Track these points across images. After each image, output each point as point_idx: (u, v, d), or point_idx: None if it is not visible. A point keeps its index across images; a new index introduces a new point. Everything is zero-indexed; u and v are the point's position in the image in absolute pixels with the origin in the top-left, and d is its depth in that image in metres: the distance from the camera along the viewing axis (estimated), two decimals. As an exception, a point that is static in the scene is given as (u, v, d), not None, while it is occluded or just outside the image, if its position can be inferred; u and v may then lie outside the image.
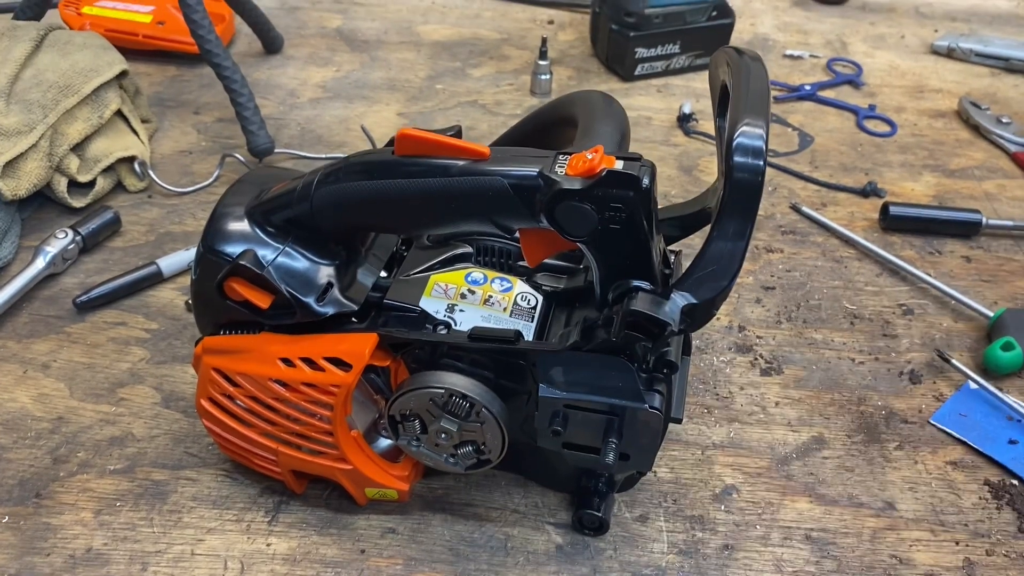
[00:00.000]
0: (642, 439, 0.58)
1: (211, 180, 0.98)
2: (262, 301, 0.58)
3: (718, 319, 0.84)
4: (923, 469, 0.72)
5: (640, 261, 0.54)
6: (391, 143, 0.57)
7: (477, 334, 0.58)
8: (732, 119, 0.51)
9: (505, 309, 0.62)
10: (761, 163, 0.50)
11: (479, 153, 0.54)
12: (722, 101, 0.61)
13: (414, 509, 0.67)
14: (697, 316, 0.53)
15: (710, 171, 1.05)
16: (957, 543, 0.67)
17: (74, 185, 0.93)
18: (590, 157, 0.52)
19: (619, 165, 0.51)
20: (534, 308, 0.63)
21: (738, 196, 0.50)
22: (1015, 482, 0.71)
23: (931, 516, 0.68)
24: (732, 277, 0.52)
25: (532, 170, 0.53)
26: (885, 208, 0.97)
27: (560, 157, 0.54)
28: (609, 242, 0.53)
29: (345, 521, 0.66)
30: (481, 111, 1.14)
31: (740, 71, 0.55)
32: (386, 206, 0.56)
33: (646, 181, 0.51)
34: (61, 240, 0.85)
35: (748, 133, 0.50)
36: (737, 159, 0.50)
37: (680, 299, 0.52)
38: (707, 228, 0.59)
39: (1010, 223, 0.97)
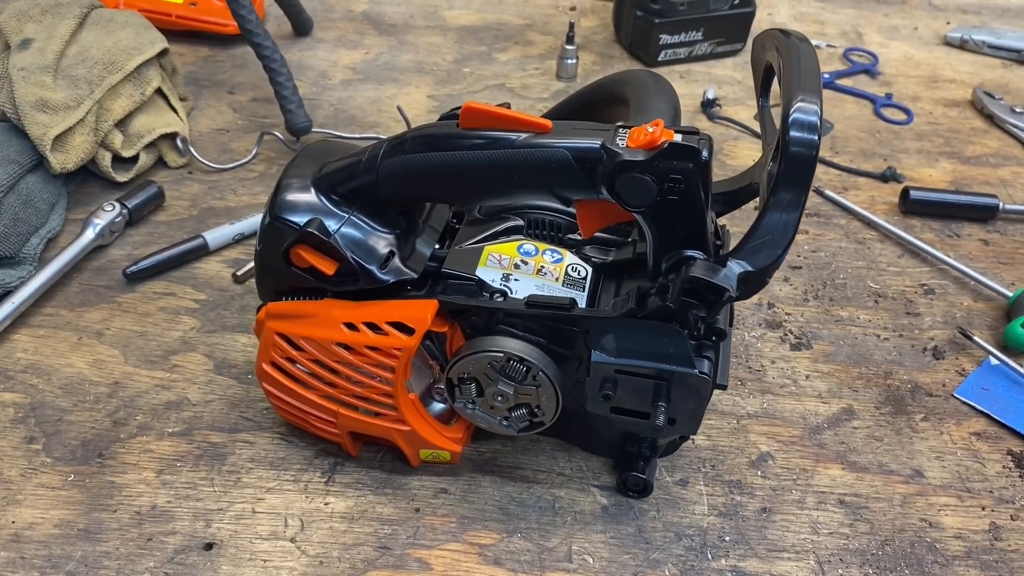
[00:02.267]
0: (690, 403, 0.61)
1: (250, 157, 1.00)
2: (327, 268, 0.61)
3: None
4: (948, 439, 0.75)
5: (695, 232, 0.56)
6: (452, 116, 0.59)
7: (534, 301, 0.60)
8: (787, 96, 0.54)
9: (557, 279, 0.65)
10: (816, 137, 0.52)
11: (541, 126, 0.57)
12: (765, 82, 0.64)
13: (464, 471, 0.69)
14: (752, 283, 0.56)
15: (735, 155, 1.07)
16: (983, 508, 0.70)
17: (117, 160, 0.95)
18: (651, 130, 0.54)
19: (678, 138, 0.54)
20: (584, 279, 0.65)
21: (794, 169, 0.53)
22: (1036, 452, 0.74)
23: (957, 483, 0.71)
24: (786, 246, 0.55)
25: (595, 142, 0.55)
26: (905, 192, 0.99)
27: (620, 130, 0.56)
28: (667, 213, 0.56)
29: (399, 482, 0.68)
30: (509, 94, 1.16)
31: (791, 51, 0.57)
32: (450, 177, 0.59)
33: (705, 153, 0.53)
34: (109, 212, 0.87)
35: (804, 109, 0.52)
36: (793, 134, 0.52)
37: (736, 267, 0.55)
38: (750, 204, 0.63)
39: (1026, 208, 1.00)
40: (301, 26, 1.23)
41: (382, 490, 0.68)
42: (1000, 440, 0.75)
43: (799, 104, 0.52)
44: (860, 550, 0.66)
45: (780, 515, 0.68)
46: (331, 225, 0.61)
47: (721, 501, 0.69)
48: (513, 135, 0.57)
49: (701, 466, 0.71)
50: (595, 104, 0.73)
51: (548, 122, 0.57)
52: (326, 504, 0.66)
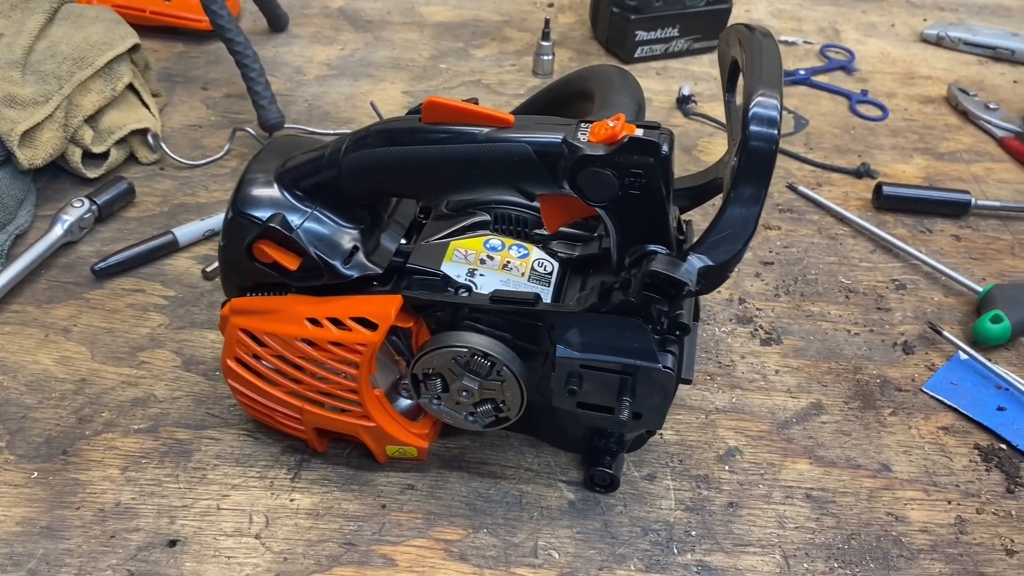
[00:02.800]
0: (655, 398, 0.61)
1: (222, 153, 0.99)
2: (291, 263, 0.60)
3: (719, 292, 0.87)
4: (916, 434, 0.75)
5: (657, 226, 0.56)
6: (416, 111, 0.59)
7: (499, 296, 0.60)
8: (747, 90, 0.54)
9: (523, 274, 0.65)
10: (775, 132, 0.52)
11: (504, 121, 0.57)
12: (731, 77, 0.64)
13: (431, 467, 0.69)
14: (712, 278, 0.56)
15: (709, 151, 1.07)
16: (949, 502, 0.70)
17: (88, 156, 0.94)
18: (612, 125, 0.54)
19: (639, 132, 0.54)
20: (550, 274, 0.65)
21: (753, 163, 0.53)
22: (1003, 446, 0.75)
23: (924, 477, 0.72)
24: (746, 240, 0.55)
25: (556, 137, 0.55)
26: (878, 188, 1.00)
27: (582, 125, 0.56)
28: (628, 207, 0.56)
29: (366, 478, 0.68)
30: (485, 90, 1.16)
31: (753, 46, 0.57)
32: (413, 171, 0.59)
33: (665, 148, 0.53)
34: (78, 209, 0.86)
35: (763, 103, 0.52)
36: (753, 128, 0.52)
37: (697, 261, 0.55)
38: (717, 200, 0.62)
39: (997, 204, 1.00)
40: (276, 22, 1.23)
41: (348, 486, 0.67)
42: (967, 434, 0.76)
43: (759, 99, 0.52)
44: (826, 544, 0.66)
45: (747, 509, 0.68)
46: (294, 220, 0.60)
47: (688, 496, 0.69)
48: (475, 129, 0.57)
49: (669, 461, 0.71)
50: (562, 100, 0.73)
51: (510, 116, 0.57)
52: (291, 501, 0.66)
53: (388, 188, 0.62)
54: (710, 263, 0.55)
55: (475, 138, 0.56)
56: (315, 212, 0.61)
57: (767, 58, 0.56)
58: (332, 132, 1.02)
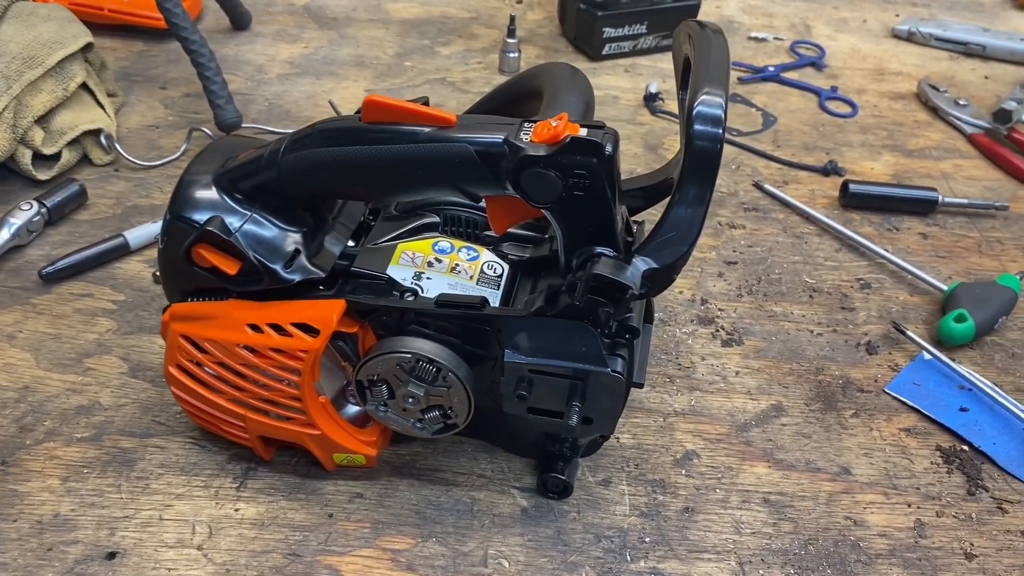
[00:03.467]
0: (605, 403, 0.60)
1: (178, 154, 0.97)
2: (229, 267, 0.59)
3: (681, 292, 0.86)
4: (878, 436, 0.74)
5: (603, 228, 0.55)
6: (359, 111, 0.57)
7: (443, 300, 0.59)
8: (692, 89, 0.53)
9: (472, 277, 0.63)
10: (720, 131, 0.51)
11: (445, 120, 0.55)
12: (685, 74, 0.62)
13: (381, 475, 0.68)
14: (658, 281, 0.55)
15: (675, 149, 1.06)
16: (909, 505, 0.69)
17: (39, 158, 0.92)
18: (554, 124, 0.53)
19: (583, 132, 0.53)
20: (500, 276, 0.64)
21: (697, 163, 0.52)
22: (965, 448, 0.74)
23: (885, 480, 0.71)
24: (692, 242, 0.54)
25: (498, 137, 0.54)
26: (845, 186, 0.99)
27: (525, 124, 0.55)
28: (573, 209, 0.54)
29: (313, 486, 0.67)
30: (450, 88, 1.14)
31: (701, 43, 0.56)
32: (352, 172, 0.57)
33: (609, 148, 0.52)
34: (26, 212, 0.84)
35: (708, 102, 0.51)
36: (697, 127, 0.51)
37: (641, 264, 0.54)
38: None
39: (965, 201, 0.99)
40: (239, 20, 1.21)
41: (295, 495, 0.66)
42: (929, 436, 0.75)
43: (703, 97, 0.51)
44: (783, 550, 0.65)
45: (703, 515, 0.67)
46: (233, 223, 0.59)
47: (643, 501, 0.67)
48: (416, 129, 0.55)
49: (625, 465, 0.70)
50: (514, 99, 0.72)
51: (452, 116, 0.56)
52: (236, 510, 0.65)
53: (328, 189, 0.60)
54: (655, 265, 0.54)
55: (416, 138, 0.55)
56: (255, 215, 0.59)
57: (715, 55, 0.55)
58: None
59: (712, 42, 0.56)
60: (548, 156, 0.52)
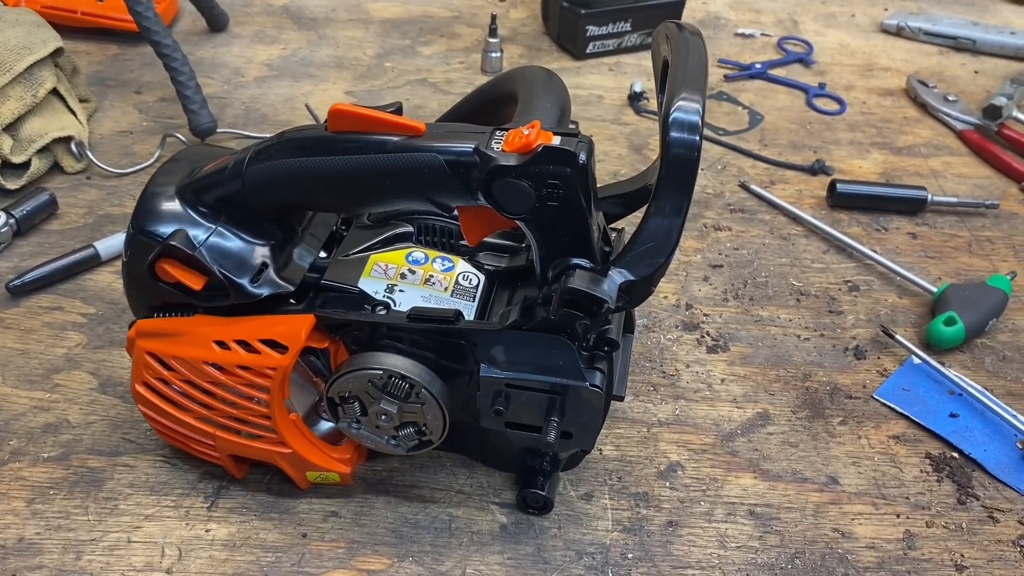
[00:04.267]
0: (584, 417, 0.58)
1: (152, 160, 0.95)
2: (195, 283, 0.57)
3: (665, 297, 0.84)
4: (866, 444, 0.73)
5: (579, 238, 0.53)
6: (326, 120, 0.56)
7: (416, 314, 0.57)
8: (669, 94, 0.51)
9: (446, 289, 0.61)
10: (697, 138, 0.49)
11: (414, 129, 0.53)
12: (663, 77, 0.61)
13: (357, 492, 0.66)
14: (635, 293, 0.53)
15: (660, 149, 1.04)
16: (898, 516, 0.67)
17: (7, 166, 0.90)
18: (526, 133, 0.51)
19: (556, 141, 0.51)
20: (476, 287, 0.62)
21: (674, 172, 0.50)
22: (955, 455, 0.72)
23: (873, 490, 0.69)
24: (669, 253, 0.52)
25: (468, 146, 0.52)
26: (832, 186, 0.97)
27: (497, 133, 0.53)
28: (547, 219, 0.53)
29: (286, 505, 0.65)
30: (431, 89, 1.12)
31: (679, 46, 0.54)
32: (319, 184, 0.55)
33: (583, 157, 0.50)
34: (-7, 223, 0.82)
35: (684, 108, 0.49)
36: (673, 135, 0.49)
37: (618, 276, 0.52)
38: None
39: (955, 200, 0.98)
40: (215, 22, 1.18)
41: (268, 515, 0.64)
42: (919, 443, 0.73)
43: (679, 103, 0.50)
44: (769, 564, 0.63)
45: (687, 529, 0.65)
46: (198, 236, 0.57)
47: (626, 515, 0.66)
48: (384, 139, 0.53)
49: (607, 478, 0.68)
50: (489, 103, 0.70)
51: (421, 124, 0.54)
52: (207, 531, 0.63)
53: (294, 201, 0.58)
54: (632, 278, 0.52)
55: (384, 148, 0.53)
56: (220, 228, 0.58)
57: (692, 58, 0.53)
58: (268, 136, 0.98)
59: (690, 44, 0.54)
60: (520, 166, 0.51)
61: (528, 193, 0.51)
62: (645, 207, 0.53)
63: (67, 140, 0.93)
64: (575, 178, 0.51)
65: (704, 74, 0.52)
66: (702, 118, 0.50)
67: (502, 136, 0.53)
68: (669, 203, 0.51)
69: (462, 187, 0.53)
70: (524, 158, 0.51)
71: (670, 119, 0.49)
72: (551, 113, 0.62)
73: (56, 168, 0.94)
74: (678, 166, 0.50)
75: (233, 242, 0.58)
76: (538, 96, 0.63)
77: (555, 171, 0.51)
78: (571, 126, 0.63)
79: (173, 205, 0.58)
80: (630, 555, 0.63)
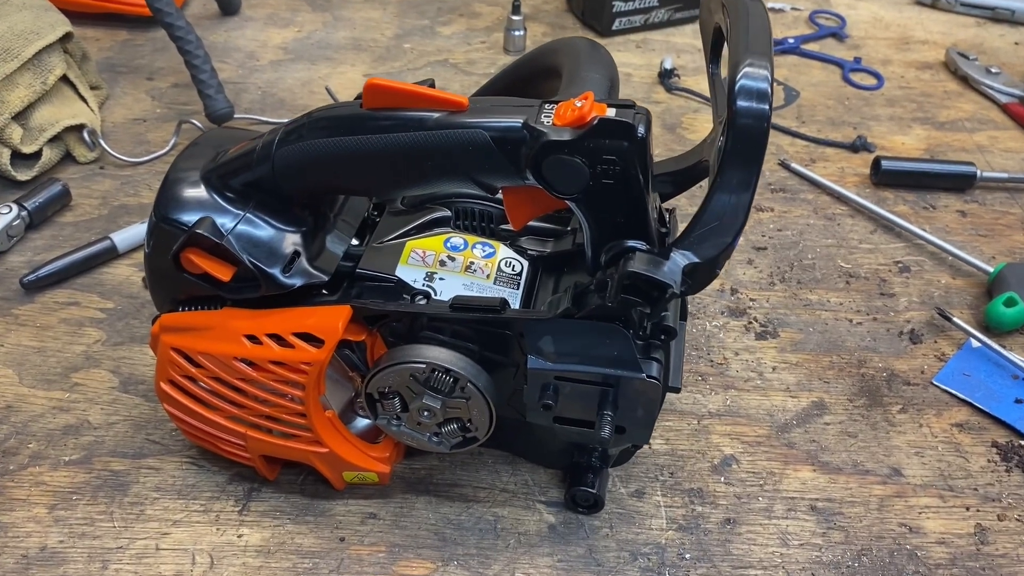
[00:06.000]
0: (639, 411, 0.54)
1: (167, 148, 0.92)
2: (223, 273, 0.53)
3: (709, 282, 0.80)
4: (928, 432, 0.69)
5: (635, 219, 0.49)
6: (359, 96, 0.52)
7: (459, 303, 0.53)
8: (733, 61, 0.47)
9: (488, 276, 0.58)
10: (767, 107, 0.45)
11: (456, 104, 0.49)
12: (715, 47, 0.57)
13: (396, 492, 0.63)
14: (699, 277, 0.49)
15: (694, 128, 1.00)
16: (967, 508, 0.64)
17: (18, 157, 0.86)
18: (579, 105, 0.47)
19: (611, 113, 0.47)
20: (519, 274, 0.58)
21: (742, 144, 0.46)
22: (1023, 443, 0.68)
23: (939, 481, 0.65)
24: (737, 233, 0.48)
25: (516, 121, 0.48)
26: (876, 162, 0.93)
27: (546, 106, 0.49)
28: (602, 199, 0.49)
29: (322, 507, 0.61)
30: (453, 70, 1.08)
31: (739, 10, 0.50)
32: (355, 165, 0.51)
33: (642, 130, 0.46)
34: (5, 216, 0.79)
35: (752, 75, 0.45)
36: (740, 104, 0.45)
37: (681, 258, 0.48)
38: (703, 184, 0.55)
39: (1004, 175, 0.94)
40: (227, 4, 1.15)
41: (303, 518, 0.61)
42: (984, 431, 0.69)
43: (746, 70, 0.46)
44: (834, 562, 0.60)
45: (746, 526, 0.62)
46: (225, 224, 0.53)
47: (681, 513, 0.62)
48: (425, 115, 0.49)
49: (659, 474, 0.65)
50: (528, 78, 0.66)
51: (464, 99, 0.50)
52: (239, 536, 0.59)
53: (328, 185, 0.55)
54: (696, 260, 0.48)
55: (424, 125, 0.49)
56: (248, 214, 0.54)
57: (754, 24, 0.49)
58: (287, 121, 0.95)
59: (750, 9, 0.50)
60: (574, 141, 0.47)
61: (582, 170, 0.47)
62: (702, 183, 0.49)
63: (79, 128, 0.89)
64: (633, 153, 0.47)
65: (770, 39, 0.48)
66: (771, 86, 0.46)
67: (552, 109, 0.49)
68: (736, 177, 0.47)
69: (509, 165, 0.49)
70: (578, 132, 0.47)
71: (737, 87, 0.45)
72: (601, 84, 0.58)
73: (68, 158, 0.91)
74: (747, 137, 0.46)
75: (263, 229, 0.54)
76: (585, 67, 0.59)
77: (611, 146, 0.47)
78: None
79: (198, 191, 0.54)
80: (687, 555, 0.60)
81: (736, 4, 0.51)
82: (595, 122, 0.46)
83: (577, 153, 0.47)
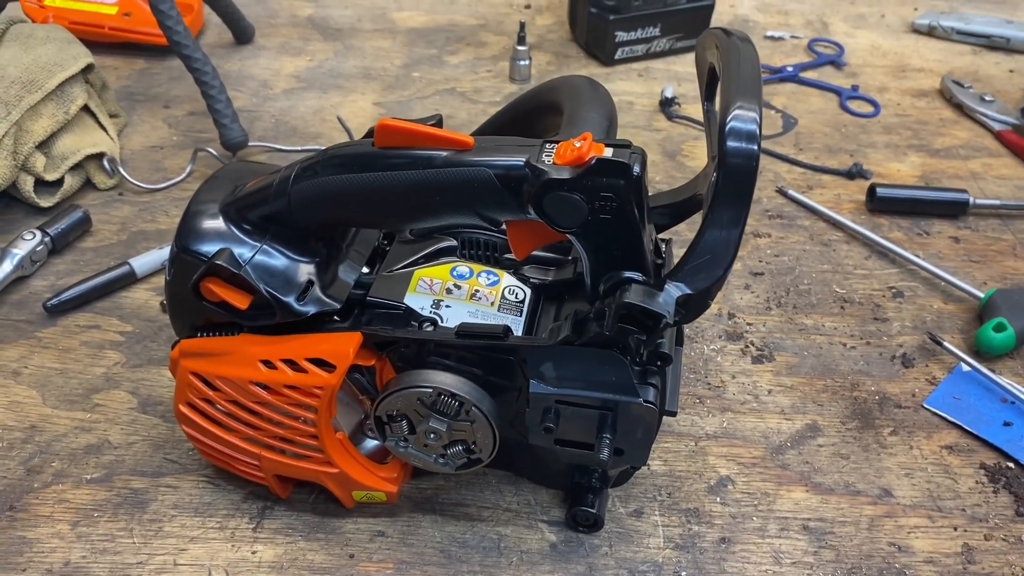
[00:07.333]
0: (637, 434, 0.57)
1: (184, 176, 0.95)
2: (240, 302, 0.56)
3: (707, 307, 0.83)
4: (919, 454, 0.71)
5: (632, 251, 0.52)
6: (370, 134, 0.55)
7: (465, 330, 0.56)
8: (724, 102, 0.50)
9: (492, 304, 0.60)
10: (755, 147, 0.48)
11: (462, 143, 0.52)
12: (710, 84, 0.60)
13: (403, 511, 0.65)
14: (692, 307, 0.52)
15: (694, 156, 1.03)
16: (955, 528, 0.66)
17: (41, 184, 0.90)
18: (578, 145, 0.50)
19: (608, 153, 0.50)
20: (522, 302, 0.61)
21: (732, 182, 0.49)
22: (1011, 465, 0.70)
23: (928, 502, 0.67)
24: (727, 266, 0.51)
25: (519, 160, 0.51)
26: (872, 190, 0.95)
27: (547, 146, 0.52)
28: (600, 233, 0.51)
29: (333, 525, 0.64)
30: (460, 99, 1.12)
31: (730, 53, 0.53)
32: (367, 200, 0.54)
33: (637, 169, 0.49)
34: (29, 241, 0.82)
35: (741, 116, 0.48)
36: (730, 144, 0.48)
37: (674, 290, 0.51)
38: (698, 215, 0.58)
39: (997, 202, 0.96)
40: (241, 34, 1.18)
41: (314, 535, 0.63)
42: (972, 453, 0.71)
43: (736, 112, 0.48)
44: (826, 580, 0.62)
45: (740, 545, 0.64)
46: (243, 255, 0.56)
47: (678, 532, 0.64)
48: (433, 154, 0.52)
49: (657, 494, 0.67)
50: (530, 114, 0.68)
51: (469, 138, 0.53)
52: (253, 553, 0.62)
53: (341, 218, 0.58)
54: (689, 291, 0.51)
55: (432, 163, 0.52)
56: (265, 246, 0.57)
57: (744, 66, 0.52)
58: (300, 149, 0.98)
59: (742, 51, 0.53)
60: (573, 179, 0.49)
61: (581, 206, 0.50)
62: (700, 216, 0.52)
63: (99, 156, 0.93)
64: (629, 190, 0.50)
65: (759, 82, 0.51)
66: (760, 127, 0.48)
67: (552, 149, 0.52)
68: (727, 214, 0.49)
69: (512, 201, 0.52)
70: (577, 171, 0.49)
71: (727, 128, 0.48)
72: (600, 124, 0.61)
73: (88, 185, 0.94)
74: (736, 176, 0.49)
75: (279, 260, 0.57)
76: (585, 107, 0.62)
77: (608, 184, 0.49)
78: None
79: (217, 223, 0.57)
80: (683, 573, 0.62)
81: (728, 46, 0.54)
82: (593, 162, 0.49)
83: (576, 190, 0.50)
